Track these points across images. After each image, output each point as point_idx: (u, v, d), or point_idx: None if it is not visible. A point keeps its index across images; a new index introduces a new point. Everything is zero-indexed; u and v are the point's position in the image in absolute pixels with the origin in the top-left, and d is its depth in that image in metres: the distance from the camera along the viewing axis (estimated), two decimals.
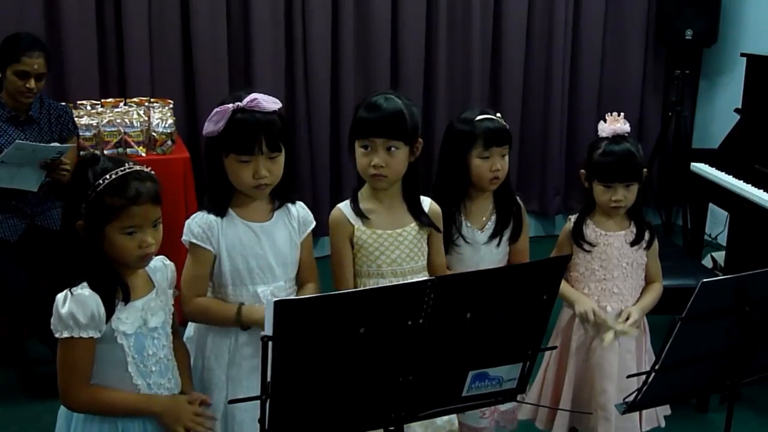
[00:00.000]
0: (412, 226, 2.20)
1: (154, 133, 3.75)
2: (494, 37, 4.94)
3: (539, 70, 5.09)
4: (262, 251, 2.02)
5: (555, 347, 2.43)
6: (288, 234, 2.08)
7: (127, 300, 1.77)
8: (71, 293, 1.71)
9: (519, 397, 1.80)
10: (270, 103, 1.95)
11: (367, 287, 1.99)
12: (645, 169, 2.40)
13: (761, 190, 3.53)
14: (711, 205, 4.13)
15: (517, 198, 2.46)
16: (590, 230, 2.42)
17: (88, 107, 3.81)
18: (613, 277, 2.40)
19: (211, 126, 1.94)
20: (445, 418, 2.15)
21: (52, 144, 3.34)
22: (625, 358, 2.37)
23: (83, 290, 1.71)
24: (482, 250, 2.39)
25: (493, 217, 2.41)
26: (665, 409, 2.50)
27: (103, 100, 3.93)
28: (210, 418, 1.88)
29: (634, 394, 1.82)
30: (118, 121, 3.71)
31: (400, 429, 1.66)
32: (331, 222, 2.20)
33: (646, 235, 2.43)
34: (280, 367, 1.46)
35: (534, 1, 4.97)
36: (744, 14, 4.97)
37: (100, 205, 1.71)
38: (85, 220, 1.73)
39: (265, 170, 1.95)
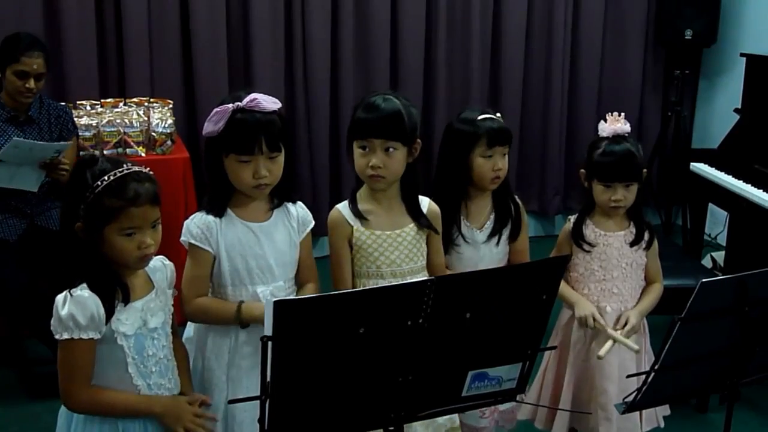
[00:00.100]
0: (411, 226, 2.19)
1: (153, 134, 3.75)
2: (494, 37, 4.94)
3: (539, 70, 5.08)
4: (262, 251, 2.02)
5: (555, 347, 2.43)
6: (287, 234, 2.08)
7: (126, 301, 1.77)
8: (71, 295, 1.71)
9: (518, 397, 1.80)
10: (270, 103, 1.95)
11: (367, 287, 1.98)
12: (645, 170, 2.40)
13: (761, 190, 3.53)
14: (711, 205, 4.13)
15: (516, 197, 2.46)
16: (590, 230, 2.42)
17: (88, 107, 3.81)
18: (613, 278, 2.40)
19: (210, 126, 1.94)
20: (446, 416, 2.14)
21: (49, 142, 3.33)
22: (625, 358, 2.37)
23: (83, 291, 1.71)
24: (482, 250, 2.39)
25: (492, 216, 2.41)
26: (664, 410, 2.51)
27: (102, 101, 3.93)
28: (210, 419, 1.88)
29: (634, 394, 1.82)
30: (118, 121, 3.71)
31: (400, 429, 1.67)
32: (330, 223, 2.19)
33: (646, 236, 2.43)
34: (280, 367, 1.46)
35: (534, 2, 4.97)
36: (744, 14, 4.97)
37: (99, 206, 1.71)
38: (84, 222, 1.72)
39: (265, 170, 1.95)
